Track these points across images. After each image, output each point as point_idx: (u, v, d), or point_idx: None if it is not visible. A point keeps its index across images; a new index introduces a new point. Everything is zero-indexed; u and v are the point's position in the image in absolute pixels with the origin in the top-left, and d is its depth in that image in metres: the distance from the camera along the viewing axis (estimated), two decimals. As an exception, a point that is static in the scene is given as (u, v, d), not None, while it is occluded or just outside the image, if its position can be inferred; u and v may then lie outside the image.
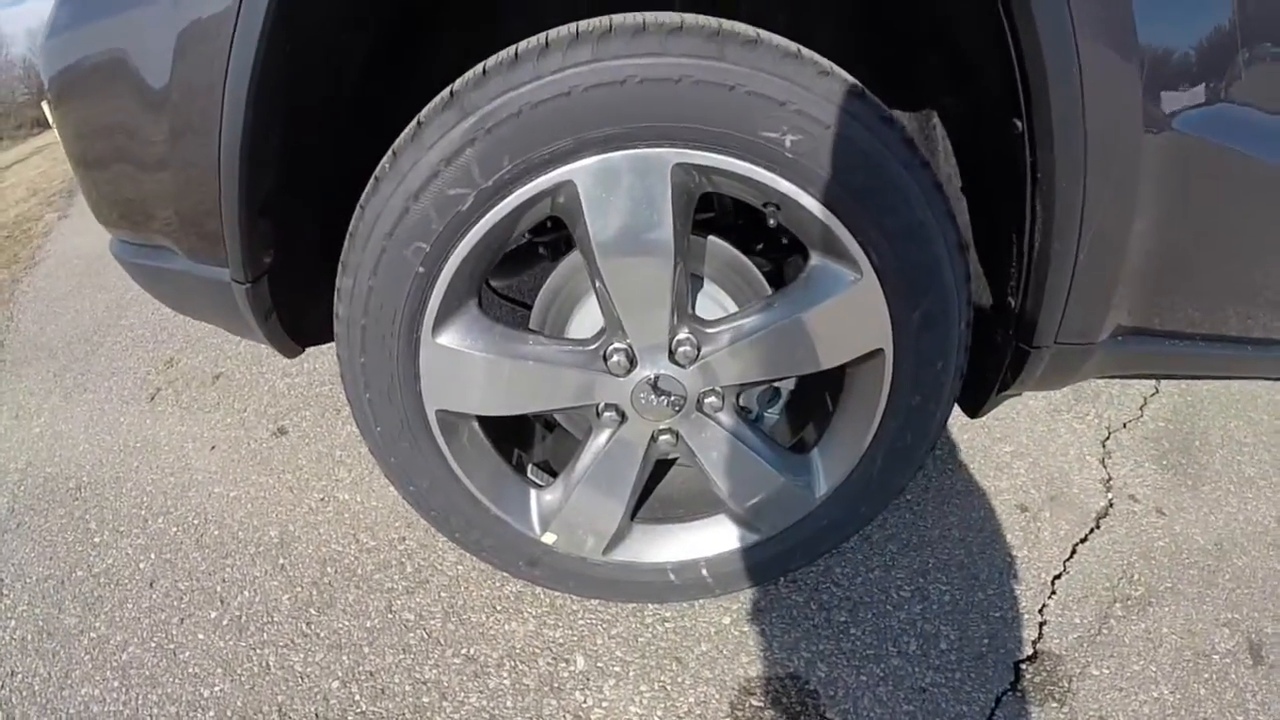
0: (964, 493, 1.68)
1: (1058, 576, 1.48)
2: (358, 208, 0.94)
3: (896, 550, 1.50)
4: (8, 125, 43.12)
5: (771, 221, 1.00)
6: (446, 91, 0.86)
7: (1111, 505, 1.71)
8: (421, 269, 0.92)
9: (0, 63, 51.78)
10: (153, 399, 2.36)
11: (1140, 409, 2.12)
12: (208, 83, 0.89)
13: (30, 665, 1.44)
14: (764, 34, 0.83)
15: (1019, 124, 0.87)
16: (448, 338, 0.99)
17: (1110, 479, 1.80)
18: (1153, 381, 2.26)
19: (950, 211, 0.94)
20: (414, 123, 0.88)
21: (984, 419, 1.98)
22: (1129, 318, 1.13)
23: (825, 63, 0.86)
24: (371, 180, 0.92)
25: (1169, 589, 1.48)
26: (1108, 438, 1.96)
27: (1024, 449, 1.85)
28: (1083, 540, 1.59)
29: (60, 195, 8.23)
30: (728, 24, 0.83)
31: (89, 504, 1.89)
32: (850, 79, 0.86)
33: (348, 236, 0.95)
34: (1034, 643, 1.32)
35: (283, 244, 1.07)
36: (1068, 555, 1.54)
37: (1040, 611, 1.39)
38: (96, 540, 1.74)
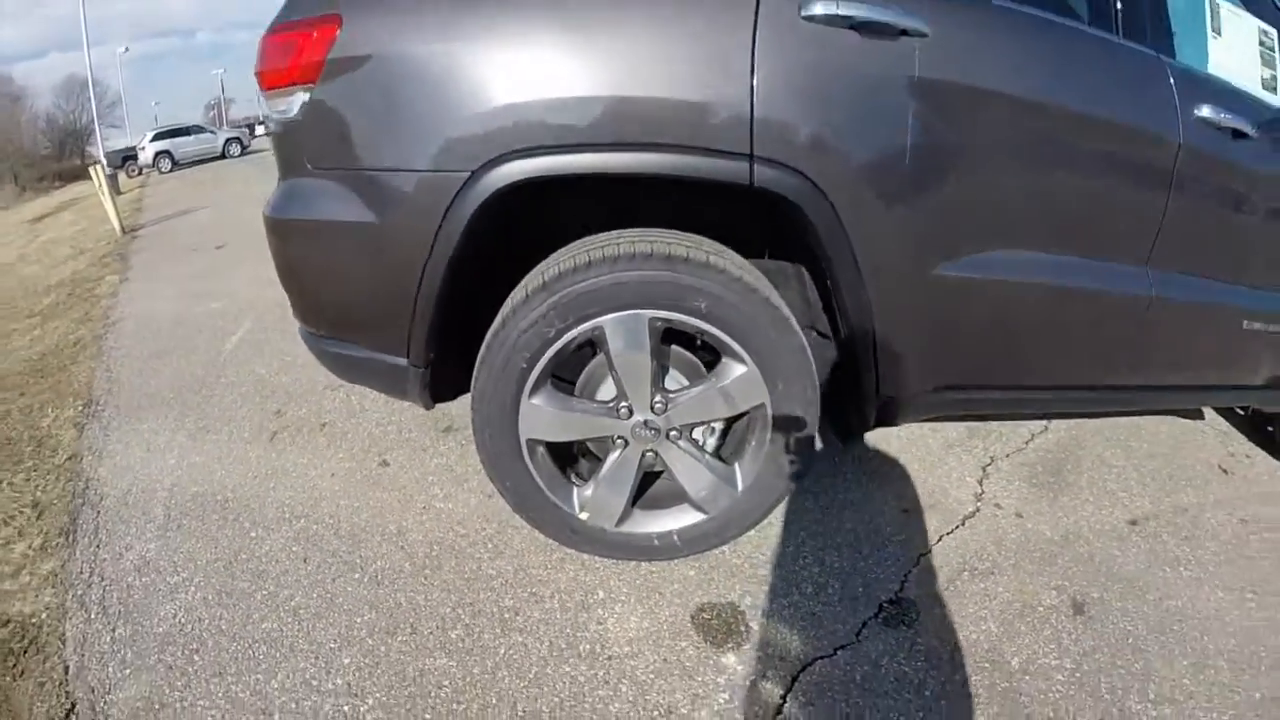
0: (861, 501, 2.47)
1: (923, 554, 2.23)
2: (490, 332, 1.80)
3: (806, 535, 2.29)
4: (31, 176, 44.76)
5: (699, 341, 1.88)
6: (541, 280, 1.72)
7: (978, 510, 2.45)
8: (525, 366, 1.78)
9: (25, 116, 53.70)
10: (272, 439, 3.17)
11: (1025, 443, 2.88)
12: (427, 234, 1.72)
13: (214, 613, 2.17)
14: (691, 253, 1.70)
15: (829, 283, 1.74)
16: (536, 399, 1.85)
17: (982, 493, 2.55)
18: (1043, 421, 3.03)
19: (794, 332, 1.80)
20: (524, 292, 1.75)
21: (887, 452, 2.77)
22: (939, 379, 1.98)
23: (723, 264, 1.74)
24: (499, 319, 1.79)
25: (1012, 565, 2.21)
26: (989, 464, 2.72)
27: (915, 473, 2.63)
28: (949, 532, 2.33)
29: (111, 257, 8.92)
30: (675, 249, 1.71)
31: (239, 511, 2.65)
32: (736, 272, 1.73)
33: (484, 346, 1.81)
34: (896, 592, 2.07)
35: (439, 345, 1.92)
36: (935, 541, 2.29)
37: (905, 575, 2.14)
38: (252, 535, 2.51)
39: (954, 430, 2.97)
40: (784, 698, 1.76)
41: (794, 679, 1.80)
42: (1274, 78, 2.55)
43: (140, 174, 29.59)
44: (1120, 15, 2.07)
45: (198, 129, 32.88)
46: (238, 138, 33.46)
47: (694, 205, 1.94)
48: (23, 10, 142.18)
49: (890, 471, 2.67)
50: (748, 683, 1.80)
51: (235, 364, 4.17)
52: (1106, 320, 2.20)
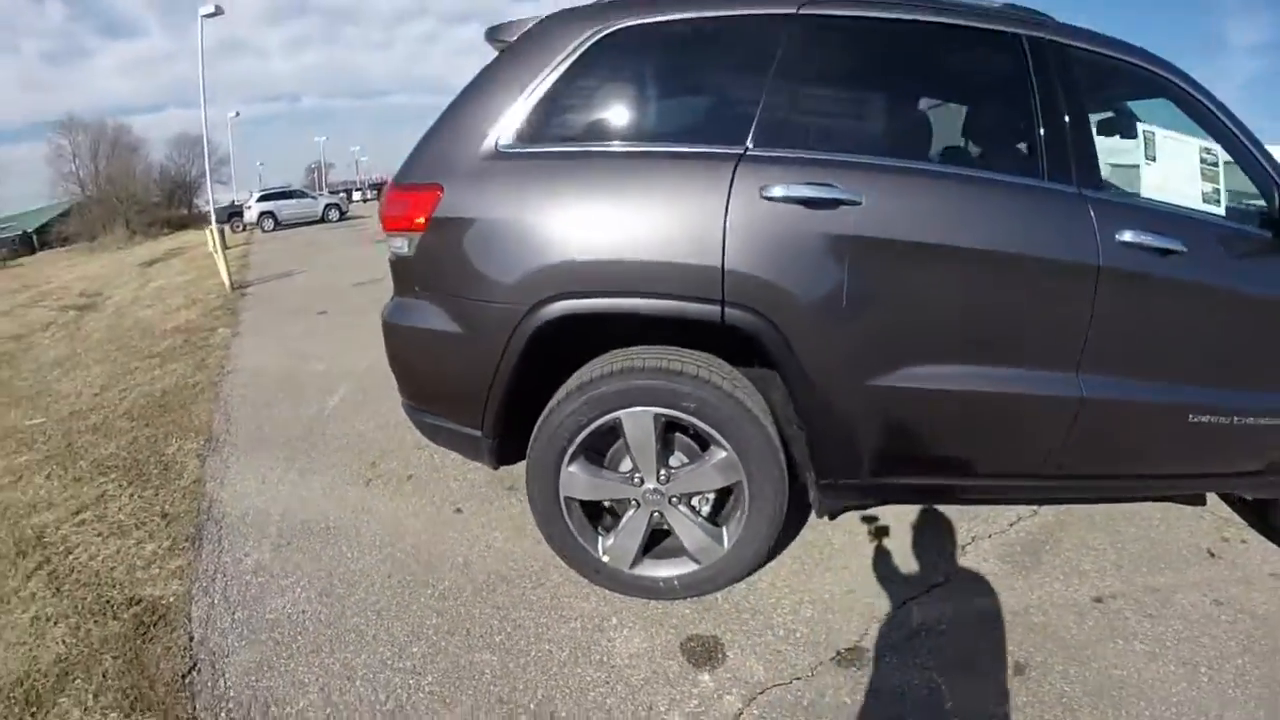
0: (841, 567, 2.99)
1: (887, 614, 2.70)
2: (541, 418, 2.50)
3: (787, 590, 2.84)
4: (141, 222, 48.24)
5: (690, 431, 2.52)
6: (578, 383, 2.43)
7: (947, 581, 2.89)
8: (565, 443, 2.46)
9: (140, 166, 57.78)
10: (367, 485, 3.90)
11: (1009, 525, 3.29)
12: (499, 346, 2.44)
13: (315, 608, 2.83)
14: (684, 367, 2.37)
15: (784, 388, 2.37)
16: (573, 468, 2.52)
17: (955, 568, 2.98)
18: (1033, 506, 3.41)
19: (763, 426, 2.42)
20: (565, 391, 2.45)
21: (874, 528, 3.25)
22: (883, 467, 2.57)
23: (707, 375, 2.39)
24: (548, 408, 2.48)
25: (966, 628, 2.64)
26: (970, 543, 3.15)
27: (896, 547, 3.11)
28: (913, 598, 2.78)
29: (222, 310, 9.99)
30: (672, 364, 2.38)
31: (338, 537, 3.35)
32: (718, 382, 2.39)
33: (537, 426, 2.51)
34: (855, 641, 2.57)
35: (505, 423, 2.62)
36: (899, 605, 2.76)
37: (865, 629, 2.63)
38: (348, 555, 3.19)
39: (945, 511, 3.43)
40: (741, 710, 2.30)
41: (752, 698, 2.34)
42: (1216, 191, 2.86)
43: (244, 230, 31.60)
44: (1045, 160, 2.55)
45: (300, 193, 35.13)
46: (336, 204, 35.34)
47: (698, 328, 2.56)
48: (147, 68, 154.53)
49: (874, 545, 3.19)
50: (715, 695, 2.35)
51: (337, 419, 4.93)
52: (1035, 418, 2.65)
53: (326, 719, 2.32)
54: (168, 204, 58.12)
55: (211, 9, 24.55)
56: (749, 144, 2.44)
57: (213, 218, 25.08)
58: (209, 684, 2.51)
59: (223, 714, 2.37)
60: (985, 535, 3.26)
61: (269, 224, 31.56)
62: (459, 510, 3.58)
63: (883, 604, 2.80)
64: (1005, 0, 2.82)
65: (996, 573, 2.99)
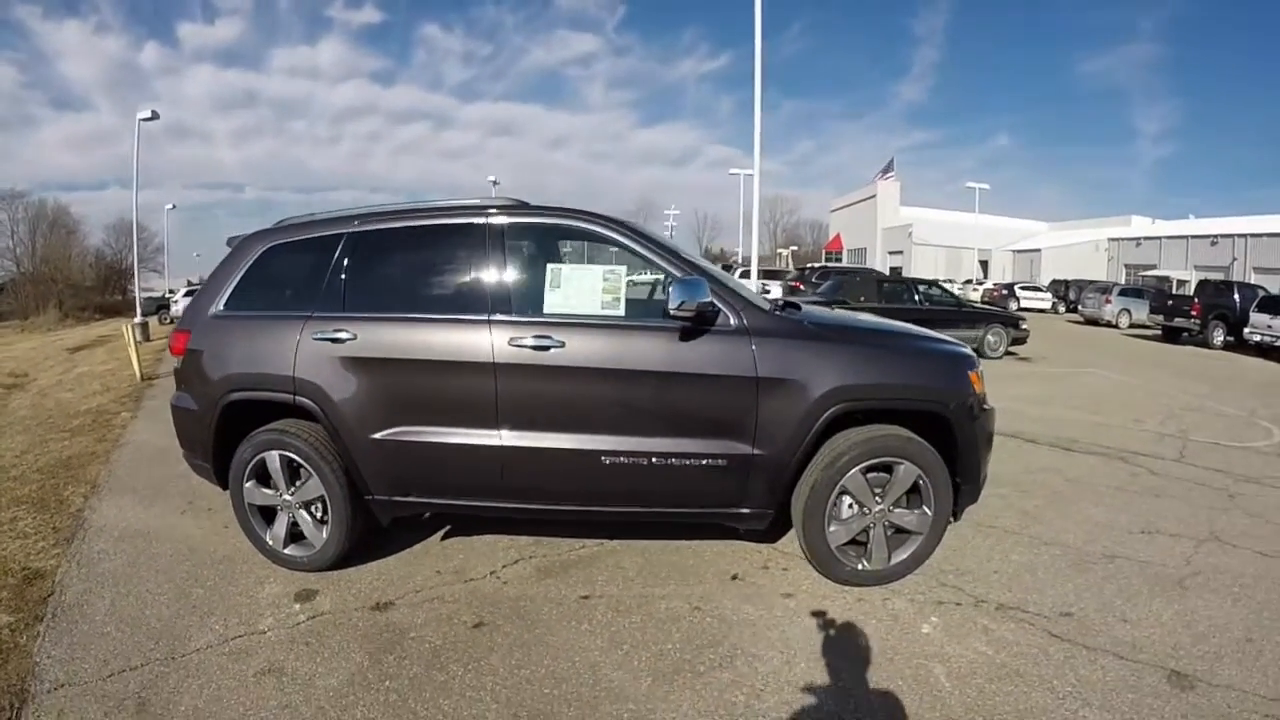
0: (419, 564, 5.45)
1: (417, 593, 5.28)
2: (237, 453, 4.95)
3: (382, 574, 5.31)
4: (73, 305, 49.22)
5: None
6: (249, 438, 4.87)
7: (485, 579, 5.33)
8: (244, 469, 4.81)
9: (77, 248, 60.06)
10: (182, 513, 6.35)
11: (571, 551, 5.59)
12: (210, 417, 4.98)
13: (128, 569, 5.18)
14: (290, 429, 4.77)
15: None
16: (249, 484, 4.85)
17: (496, 570, 5.43)
18: (605, 539, 5.92)
19: (331, 462, 4.69)
20: (244, 441, 4.93)
21: (459, 545, 5.58)
22: (392, 491, 4.83)
23: (299, 433, 4.65)
24: (237, 452, 4.94)
25: (464, 604, 5.05)
26: (526, 559, 5.44)
27: (466, 558, 5.48)
28: (449, 585, 5.24)
29: (129, 398, 12.40)
30: (287, 428, 4.80)
31: (154, 538, 5.80)
32: (306, 436, 4.69)
33: (233, 460, 4.96)
34: (390, 600, 5.08)
35: (221, 459, 5.11)
36: (438, 585, 5.35)
37: (402, 595, 5.17)
38: (154, 547, 5.63)
39: (524, 539, 5.27)
40: (303, 621, 4.51)
41: (313, 616, 4.54)
42: (616, 299, 4.12)
43: (171, 322, 33.40)
44: (471, 300, 4.29)
45: (227, 289, 36.76)
46: (262, 302, 37.00)
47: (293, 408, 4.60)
48: (90, 143, 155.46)
49: (448, 554, 5.14)
50: (297, 613, 4.53)
51: (182, 477, 7.14)
52: (475, 460, 4.26)
53: (109, 607, 4.68)
54: (102, 289, 58.55)
55: (149, 113, 27.10)
56: (314, 309, 4.48)
57: (138, 310, 26.99)
58: (57, 598, 4.80)
59: (59, 610, 4.65)
60: (543, 555, 4.97)
61: (196, 317, 33.07)
62: (226, 527, 5.84)
63: (431, 584, 4.65)
64: (496, 195, 4.72)
65: (524, 577, 4.66)
